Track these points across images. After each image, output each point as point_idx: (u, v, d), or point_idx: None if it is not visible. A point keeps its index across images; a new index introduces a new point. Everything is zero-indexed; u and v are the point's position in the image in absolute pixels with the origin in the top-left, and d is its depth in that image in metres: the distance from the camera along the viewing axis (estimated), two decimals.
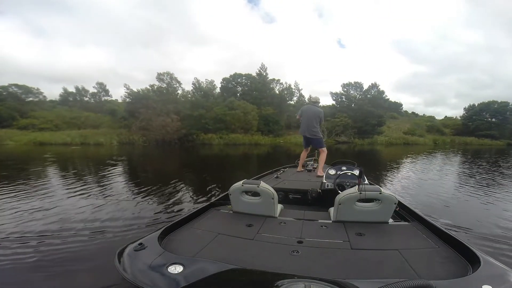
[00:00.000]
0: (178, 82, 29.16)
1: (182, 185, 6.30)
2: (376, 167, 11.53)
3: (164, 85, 28.02)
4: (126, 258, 1.41)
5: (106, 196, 5.26)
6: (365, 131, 32.63)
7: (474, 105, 44.56)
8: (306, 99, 39.03)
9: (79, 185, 6.27)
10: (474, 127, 41.30)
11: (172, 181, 6.59)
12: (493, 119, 42.43)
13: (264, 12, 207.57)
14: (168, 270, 1.26)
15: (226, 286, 1.26)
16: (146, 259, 1.37)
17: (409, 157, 16.58)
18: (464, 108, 45.85)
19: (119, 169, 9.68)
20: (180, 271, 1.25)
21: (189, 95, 29.94)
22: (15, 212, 4.05)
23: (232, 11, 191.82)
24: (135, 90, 25.97)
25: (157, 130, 22.99)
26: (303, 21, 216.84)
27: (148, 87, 26.94)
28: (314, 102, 4.99)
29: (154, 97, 25.30)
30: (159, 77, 28.23)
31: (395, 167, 11.44)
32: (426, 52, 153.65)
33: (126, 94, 25.98)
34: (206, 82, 31.39)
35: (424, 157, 16.54)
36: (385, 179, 8.27)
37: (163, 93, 26.53)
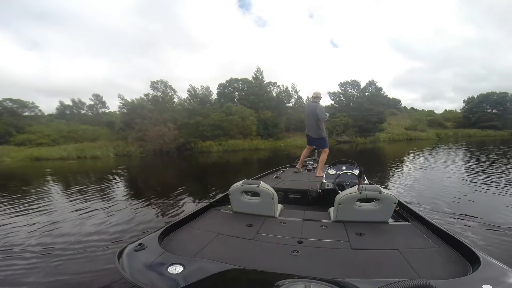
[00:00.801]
0: (173, 90, 28.43)
1: (180, 195, 5.94)
2: (380, 166, 10.94)
3: (159, 94, 27.30)
4: (126, 258, 1.37)
5: (104, 205, 5.10)
6: (366, 129, 31.77)
7: (473, 97, 43.94)
8: (304, 100, 38.33)
9: (76, 196, 6.18)
10: (476, 119, 40.57)
11: (171, 191, 6.32)
12: (494, 110, 41.71)
13: (256, 16, 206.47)
14: (168, 270, 1.23)
15: (226, 286, 1.24)
16: (146, 259, 1.34)
17: (414, 153, 15.95)
18: (464, 101, 45.25)
19: (114, 180, 9.27)
20: (180, 271, 1.22)
21: (186, 103, 29.26)
22: (17, 222, 4.09)
23: (225, 17, 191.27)
24: (129, 100, 25.28)
25: (154, 140, 22.25)
26: (295, 23, 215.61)
27: (143, 96, 26.26)
28: (315, 98, 4.71)
29: (150, 106, 24.60)
30: (153, 85, 27.48)
31: (401, 165, 10.77)
32: (420, 47, 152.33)
33: (121, 104, 25.29)
34: (202, 88, 30.68)
35: (430, 152, 15.93)
36: (391, 179, 7.65)
37: (159, 102, 25.82)
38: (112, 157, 21.71)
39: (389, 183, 7.04)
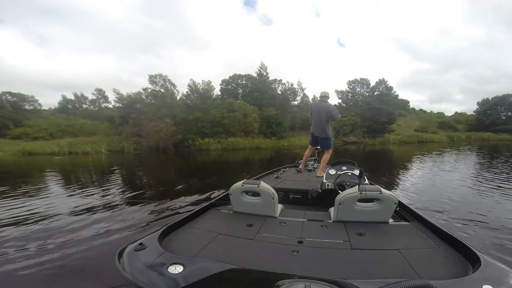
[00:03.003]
0: (172, 84, 26.29)
1: (177, 198, 5.26)
2: (392, 170, 8.82)
3: (158, 88, 25.26)
4: (126, 258, 1.34)
5: (102, 202, 4.96)
6: (375, 129, 29.24)
7: (487, 99, 40.66)
8: (310, 99, 36.06)
9: (66, 194, 5.84)
10: (490, 122, 37.47)
11: (167, 192, 5.81)
12: (509, 113, 38.46)
13: (261, 14, 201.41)
14: (168, 270, 1.20)
15: (227, 286, 1.22)
16: (146, 259, 1.31)
17: (429, 156, 13.71)
18: (478, 103, 41.83)
19: (97, 180, 8.33)
20: (180, 271, 1.19)
21: (189, 100, 27.19)
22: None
23: (229, 15, 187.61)
24: (125, 94, 23.29)
25: (149, 136, 20.31)
26: (301, 22, 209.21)
27: (141, 90, 24.27)
28: (323, 97, 4.46)
29: (148, 101, 22.64)
30: (151, 79, 25.38)
31: (415, 171, 8.57)
32: (427, 48, 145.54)
33: (116, 99, 23.35)
34: (203, 83, 28.40)
35: (447, 157, 13.68)
36: (405, 188, 5.85)
37: (158, 97, 23.81)
38: (105, 153, 19.90)
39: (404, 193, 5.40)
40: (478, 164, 10.73)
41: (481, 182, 6.41)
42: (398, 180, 7.07)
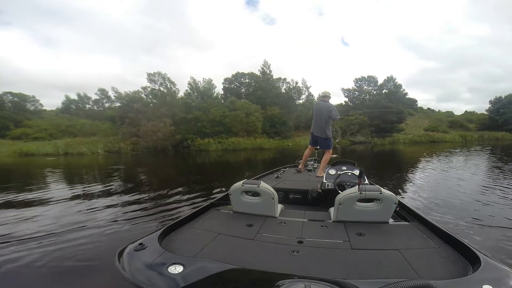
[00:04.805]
0: (172, 82, 24.90)
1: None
2: (405, 176, 7.35)
3: (157, 87, 23.93)
4: (126, 258, 1.32)
5: (100, 203, 4.74)
6: (384, 128, 27.39)
7: (500, 97, 38.21)
8: (315, 97, 34.40)
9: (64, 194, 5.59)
10: (503, 121, 35.09)
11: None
12: None
13: (263, 13, 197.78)
14: (168, 270, 1.18)
15: (227, 286, 1.20)
16: (146, 259, 1.29)
17: (442, 157, 11.98)
18: (490, 101, 39.45)
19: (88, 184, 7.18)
20: (180, 271, 1.17)
21: (189, 99, 25.83)
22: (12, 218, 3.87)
23: (231, 15, 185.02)
24: (123, 93, 22.04)
25: (147, 136, 19.00)
26: (304, 21, 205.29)
27: (140, 89, 23.00)
28: (324, 97, 4.41)
29: (147, 100, 21.36)
30: (150, 78, 24.02)
31: (431, 177, 7.11)
32: (433, 47, 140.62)
33: (114, 98, 22.13)
34: (204, 81, 26.92)
35: (460, 157, 12.02)
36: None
37: (157, 96, 22.51)
38: (101, 154, 18.69)
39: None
40: (492, 164, 9.38)
41: (489, 183, 5.96)
42: (407, 183, 6.51)
